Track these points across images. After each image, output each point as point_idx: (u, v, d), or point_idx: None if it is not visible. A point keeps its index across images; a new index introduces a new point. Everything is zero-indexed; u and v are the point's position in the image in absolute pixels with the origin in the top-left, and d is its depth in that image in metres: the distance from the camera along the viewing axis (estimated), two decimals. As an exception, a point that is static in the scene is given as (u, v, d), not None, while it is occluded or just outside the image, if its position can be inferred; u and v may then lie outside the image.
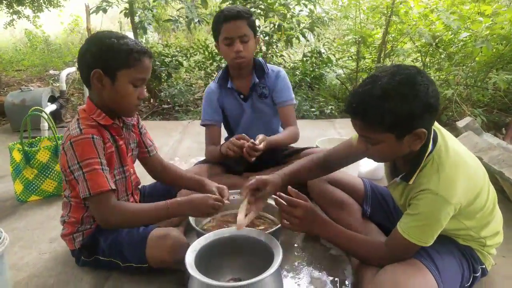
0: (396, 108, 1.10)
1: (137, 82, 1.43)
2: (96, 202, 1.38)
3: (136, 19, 4.34)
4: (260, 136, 1.89)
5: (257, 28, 2.16)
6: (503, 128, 3.47)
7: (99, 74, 1.38)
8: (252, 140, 1.83)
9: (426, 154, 1.22)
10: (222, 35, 1.96)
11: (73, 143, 1.36)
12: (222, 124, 2.19)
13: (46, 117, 2.30)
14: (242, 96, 2.11)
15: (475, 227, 1.30)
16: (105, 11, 4.22)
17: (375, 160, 1.38)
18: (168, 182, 1.80)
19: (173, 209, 1.43)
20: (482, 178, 1.29)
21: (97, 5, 4.21)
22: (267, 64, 2.14)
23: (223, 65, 4.89)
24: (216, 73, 5.15)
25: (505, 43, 3.58)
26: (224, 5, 4.71)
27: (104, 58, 1.37)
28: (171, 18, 4.43)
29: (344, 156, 1.57)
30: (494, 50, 3.58)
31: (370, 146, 1.22)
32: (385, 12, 4.37)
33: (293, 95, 2.16)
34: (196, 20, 4.17)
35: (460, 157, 1.24)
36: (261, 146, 1.82)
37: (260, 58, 2.18)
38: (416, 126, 1.13)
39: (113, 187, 1.39)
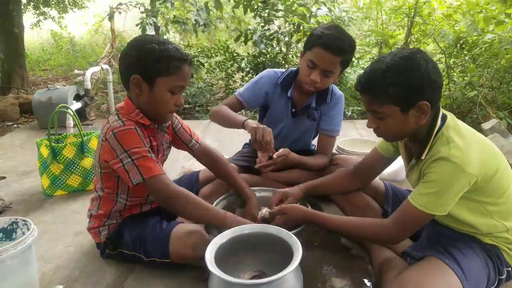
0: (398, 80, 1.20)
1: (175, 90, 1.42)
2: (153, 186, 1.40)
3: (159, 19, 4.40)
4: (282, 151, 1.81)
5: (349, 65, 1.95)
6: (531, 132, 3.38)
7: (138, 80, 1.38)
8: (275, 153, 1.77)
9: (435, 131, 1.26)
10: (310, 54, 1.79)
11: (116, 134, 1.37)
12: (247, 108, 2.08)
13: (72, 114, 2.36)
14: (293, 110, 2.02)
15: (498, 213, 1.28)
16: (111, 17, 4.28)
17: (386, 139, 1.45)
18: (220, 177, 1.81)
19: (229, 220, 1.43)
20: (499, 158, 1.28)
21: (110, 11, 4.28)
22: (333, 87, 2.02)
23: (243, 64, 4.94)
24: (237, 73, 5.21)
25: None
26: (238, 12, 4.75)
27: (144, 64, 1.36)
28: (179, 19, 4.48)
29: (372, 165, 1.62)
30: (521, 51, 3.50)
31: (379, 121, 1.29)
32: (408, 13, 4.32)
33: (341, 127, 2.05)
34: (201, 23, 4.18)
35: (472, 132, 1.28)
36: (278, 160, 1.77)
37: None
38: (418, 99, 1.20)
39: (164, 172, 1.42)
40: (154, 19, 4.24)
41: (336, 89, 2.05)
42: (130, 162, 1.37)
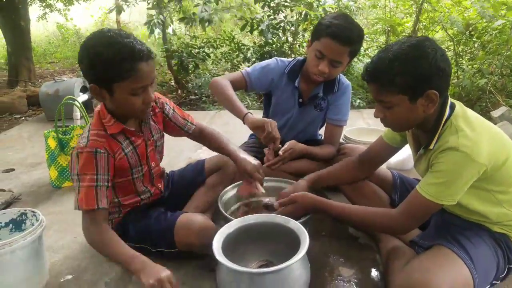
0: (406, 69, 1.18)
1: (137, 91, 1.32)
2: (84, 217, 1.37)
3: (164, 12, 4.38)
4: (288, 145, 1.80)
5: (357, 54, 1.90)
6: (541, 120, 3.33)
7: (95, 88, 1.32)
8: (280, 148, 1.76)
9: (444, 120, 1.24)
10: (318, 44, 1.76)
11: (78, 154, 1.36)
12: (247, 91, 2.06)
13: (78, 105, 2.37)
14: (300, 100, 2.00)
15: (508, 201, 1.26)
16: (119, 12, 4.26)
17: (393, 129, 1.42)
18: (214, 150, 1.79)
19: (135, 264, 1.27)
20: (508, 146, 1.26)
21: (115, 4, 4.27)
22: (341, 77, 2.00)
23: (249, 54, 4.91)
24: (243, 64, 5.18)
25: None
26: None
27: (95, 72, 1.28)
28: (186, 15, 4.45)
29: (378, 154, 1.61)
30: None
31: (387, 111, 1.27)
32: (416, 0, 4.25)
33: (348, 116, 2.04)
34: (206, 19, 4.16)
35: (481, 120, 1.26)
36: (285, 155, 1.76)
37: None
38: (426, 88, 1.18)
39: (101, 206, 1.35)
40: (162, 17, 4.21)
41: (343, 78, 2.03)
42: (77, 186, 1.36)
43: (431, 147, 1.25)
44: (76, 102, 2.40)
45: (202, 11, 4.15)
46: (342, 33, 1.70)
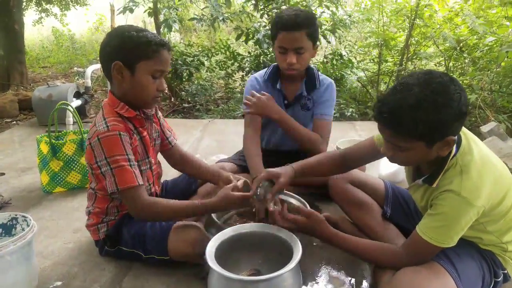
0: (429, 118, 1.09)
1: (156, 74, 1.44)
2: (126, 197, 1.42)
3: (161, 17, 4.40)
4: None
5: (319, 36, 1.99)
6: (527, 135, 3.40)
7: (119, 66, 1.41)
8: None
9: (451, 157, 1.21)
10: (277, 41, 1.88)
11: (100, 139, 1.39)
12: None
13: (72, 111, 2.36)
14: (286, 102, 2.07)
15: (498, 231, 1.28)
16: (131, 11, 4.31)
17: (399, 164, 1.38)
18: (188, 172, 1.83)
19: (204, 206, 1.45)
20: (508, 182, 1.27)
21: (124, 6, 4.31)
22: (319, 74, 2.07)
23: (242, 62, 4.94)
24: (237, 73, 5.22)
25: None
26: (249, 5, 4.75)
27: (124, 50, 1.40)
28: (196, 16, 4.49)
29: (363, 155, 1.57)
30: (521, 55, 3.51)
31: (398, 152, 1.22)
32: (409, 15, 4.33)
33: (333, 112, 2.08)
34: (221, 18, 4.20)
35: (486, 159, 1.23)
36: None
37: (314, 68, 2.08)
38: (446, 134, 1.13)
39: (141, 182, 1.42)
40: (175, 16, 4.25)
41: (323, 76, 2.10)
42: (108, 170, 1.39)
43: (434, 185, 1.24)
44: (69, 107, 2.40)
45: (212, 11, 4.18)
46: (289, 21, 1.80)
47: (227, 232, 1.36)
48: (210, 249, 1.25)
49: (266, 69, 2.12)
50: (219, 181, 1.69)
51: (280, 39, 1.85)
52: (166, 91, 5.13)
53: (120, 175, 1.39)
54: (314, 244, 1.76)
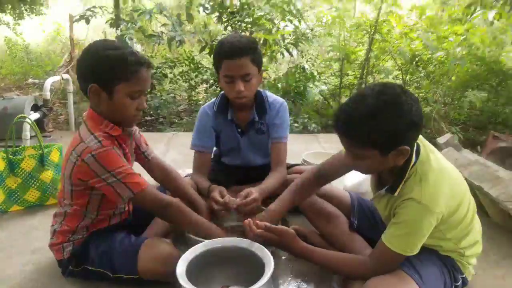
0: (381, 127, 1.15)
1: (134, 94, 1.41)
2: (144, 199, 1.44)
3: (119, 31, 4.33)
4: (244, 193, 1.74)
5: (262, 61, 1.94)
6: (478, 146, 3.60)
7: (96, 89, 1.37)
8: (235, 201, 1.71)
9: (410, 166, 1.28)
10: (222, 71, 1.82)
11: (95, 156, 1.34)
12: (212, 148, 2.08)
13: (31, 124, 2.27)
14: (239, 130, 2.04)
15: (455, 238, 1.36)
16: (88, 21, 4.20)
17: (362, 172, 1.45)
18: (171, 189, 1.78)
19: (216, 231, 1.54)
20: (463, 189, 1.35)
21: (80, 14, 4.20)
22: (268, 95, 2.04)
23: (207, 76, 4.93)
24: (201, 85, 5.21)
25: (480, 63, 3.75)
26: (212, 17, 4.76)
27: (99, 72, 1.35)
28: (154, 33, 4.44)
29: (338, 168, 1.61)
30: (470, 70, 3.75)
31: (357, 160, 1.28)
32: (369, 30, 4.51)
33: (288, 132, 2.07)
34: (177, 39, 4.18)
35: (443, 168, 1.31)
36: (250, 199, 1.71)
37: (262, 91, 2.03)
38: (400, 144, 1.19)
39: (149, 183, 1.46)
40: (132, 32, 4.16)
41: (273, 98, 2.05)
42: (116, 181, 1.38)
43: (395, 194, 1.29)
44: (28, 120, 2.30)
45: (172, 31, 4.15)
46: (233, 48, 1.76)
47: (198, 248, 1.34)
48: (181, 265, 1.23)
49: (214, 99, 2.05)
50: (202, 214, 1.67)
51: (225, 67, 1.80)
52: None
53: (131, 181, 1.40)
54: (283, 257, 1.77)
